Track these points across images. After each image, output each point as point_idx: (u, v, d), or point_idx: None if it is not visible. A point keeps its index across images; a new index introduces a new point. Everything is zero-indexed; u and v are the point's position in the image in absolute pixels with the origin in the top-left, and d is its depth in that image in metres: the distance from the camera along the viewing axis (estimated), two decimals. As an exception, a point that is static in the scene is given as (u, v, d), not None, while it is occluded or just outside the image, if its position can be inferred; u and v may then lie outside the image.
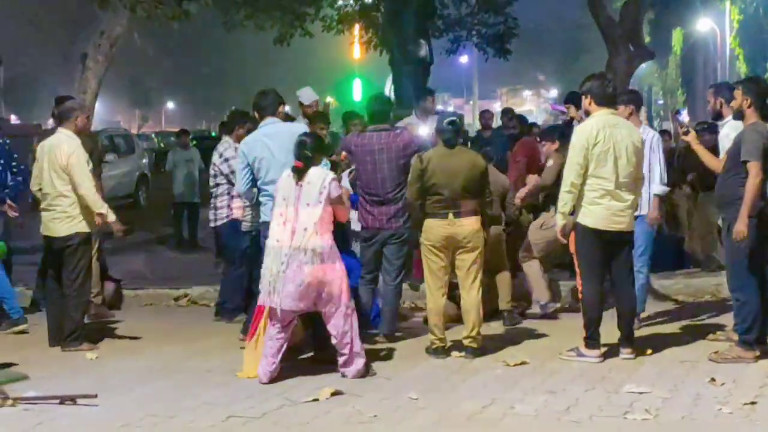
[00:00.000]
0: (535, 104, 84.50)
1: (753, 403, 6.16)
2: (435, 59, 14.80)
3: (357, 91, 38.21)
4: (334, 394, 6.59)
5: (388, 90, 15.37)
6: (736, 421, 5.87)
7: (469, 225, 7.61)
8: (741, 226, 7.01)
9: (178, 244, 15.16)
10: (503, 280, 8.96)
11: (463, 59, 55.19)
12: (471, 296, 7.69)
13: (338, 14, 20.54)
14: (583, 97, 7.54)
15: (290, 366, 7.57)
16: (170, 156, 15.44)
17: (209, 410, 6.36)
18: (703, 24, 43.41)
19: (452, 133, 7.74)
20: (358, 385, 6.90)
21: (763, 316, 7.26)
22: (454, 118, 7.90)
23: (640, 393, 6.44)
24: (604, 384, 6.75)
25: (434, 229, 7.64)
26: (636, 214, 7.68)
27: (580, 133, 7.39)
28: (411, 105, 13.68)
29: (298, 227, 6.91)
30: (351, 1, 20.65)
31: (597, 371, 7.10)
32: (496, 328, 8.77)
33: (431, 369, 7.40)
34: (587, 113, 7.55)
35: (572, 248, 7.51)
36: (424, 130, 10.19)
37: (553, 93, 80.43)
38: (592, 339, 7.40)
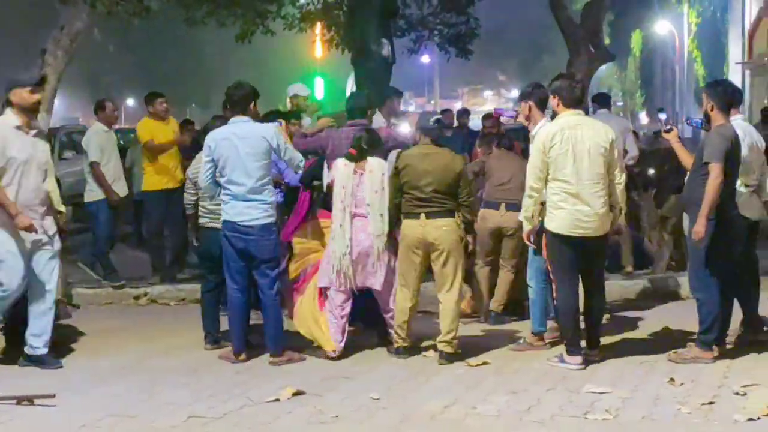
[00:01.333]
0: (496, 104, 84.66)
1: (711, 403, 6.23)
2: (397, 58, 14.78)
3: (319, 90, 38.13)
4: (295, 394, 6.58)
5: (350, 89, 15.34)
6: (695, 421, 5.93)
7: (441, 226, 7.52)
8: (698, 227, 7.07)
9: (138, 242, 15.03)
10: (501, 279, 9.04)
11: (425, 59, 55.30)
12: (448, 300, 7.59)
13: (300, 12, 20.47)
14: (551, 97, 7.48)
15: (252, 365, 7.55)
16: (129, 153, 15.28)
17: (170, 410, 6.32)
18: (661, 26, 43.79)
19: (439, 131, 7.79)
20: (320, 384, 6.89)
21: (724, 317, 7.35)
22: (439, 116, 7.97)
23: (601, 393, 6.49)
24: (566, 384, 6.79)
25: (408, 228, 7.62)
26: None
27: (538, 137, 7.34)
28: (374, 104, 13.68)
29: (372, 213, 7.64)
30: (313, 0, 20.59)
31: (558, 372, 7.13)
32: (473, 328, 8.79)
33: (394, 369, 7.40)
34: (554, 114, 7.50)
35: (545, 254, 7.50)
36: (389, 131, 10.16)
37: (514, 93, 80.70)
38: (571, 345, 7.31)
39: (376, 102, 9.42)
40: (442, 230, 7.52)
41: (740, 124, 7.72)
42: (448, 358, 7.53)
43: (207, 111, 42.73)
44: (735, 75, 34.79)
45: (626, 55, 52.19)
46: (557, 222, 7.22)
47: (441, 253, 7.55)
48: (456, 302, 7.65)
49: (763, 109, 16.28)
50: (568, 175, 7.15)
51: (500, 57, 77.80)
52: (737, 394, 6.43)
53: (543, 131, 7.33)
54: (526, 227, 7.44)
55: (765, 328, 7.86)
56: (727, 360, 7.27)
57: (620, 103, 64.91)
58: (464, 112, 17.49)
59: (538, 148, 7.23)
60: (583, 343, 7.41)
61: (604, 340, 7.90)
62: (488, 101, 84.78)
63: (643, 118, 52.10)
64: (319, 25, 21.38)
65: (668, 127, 8.05)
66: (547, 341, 7.86)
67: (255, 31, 18.91)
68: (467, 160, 10.41)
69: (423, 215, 7.54)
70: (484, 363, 7.43)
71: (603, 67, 28.05)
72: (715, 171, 7.02)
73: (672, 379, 6.75)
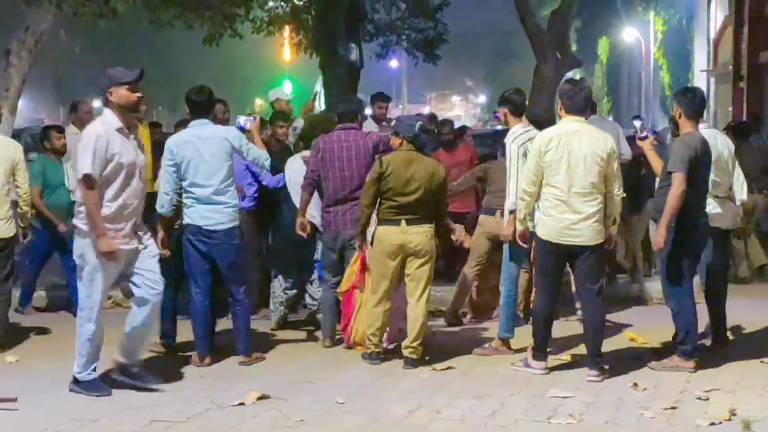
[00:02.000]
0: (464, 109, 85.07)
1: (674, 407, 6.29)
2: (365, 63, 14.81)
3: (287, 93, 37.96)
4: (260, 398, 6.56)
5: (318, 93, 15.34)
6: (658, 425, 5.98)
7: (422, 233, 7.55)
8: (658, 237, 7.07)
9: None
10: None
11: (393, 63, 55.34)
12: (418, 306, 7.60)
13: (268, 16, 20.44)
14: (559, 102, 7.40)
15: (217, 369, 7.52)
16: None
17: (133, 414, 6.28)
18: (628, 34, 44.14)
19: (418, 138, 7.72)
20: (286, 388, 6.88)
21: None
22: (421, 122, 7.93)
23: (565, 398, 6.53)
24: (530, 389, 6.82)
25: (386, 235, 7.57)
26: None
27: (536, 141, 7.25)
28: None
29: None
30: (282, 3, 20.56)
31: (523, 376, 7.16)
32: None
33: (359, 373, 7.40)
34: (558, 118, 7.48)
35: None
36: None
37: (482, 99, 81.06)
38: (538, 351, 7.26)
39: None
40: (423, 236, 7.54)
41: (711, 132, 7.78)
42: (413, 364, 7.54)
43: (175, 114, 42.50)
44: (700, 82, 35.05)
45: (593, 61, 52.53)
46: (546, 229, 7.14)
47: (419, 260, 7.56)
48: (425, 310, 7.66)
49: (733, 123, 16.41)
50: (560, 182, 7.04)
51: (468, 62, 78.03)
52: (700, 398, 6.49)
53: (541, 136, 7.23)
54: (519, 228, 7.39)
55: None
56: (690, 365, 7.33)
57: (587, 110, 65.35)
58: (431, 117, 17.50)
59: (534, 152, 7.16)
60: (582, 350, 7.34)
61: (566, 346, 7.95)
62: (456, 106, 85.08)
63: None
64: (287, 29, 21.36)
65: (644, 134, 7.98)
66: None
67: (223, 34, 18.86)
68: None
69: (404, 222, 7.53)
70: (449, 367, 7.45)
71: (570, 74, 28.21)
72: (677, 180, 6.98)
73: (635, 384, 6.80)
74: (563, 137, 7.07)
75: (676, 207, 7.00)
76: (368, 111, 10.82)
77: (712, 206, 7.55)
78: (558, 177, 7.03)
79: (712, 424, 5.94)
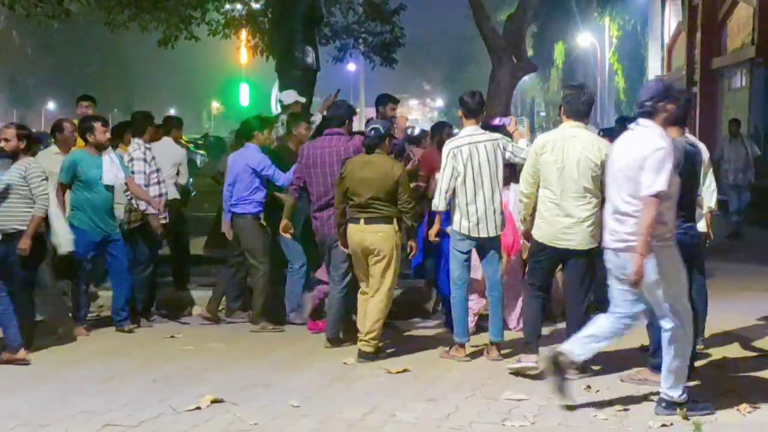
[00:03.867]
0: (422, 113, 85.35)
1: (626, 409, 6.34)
2: (322, 66, 14.74)
3: (244, 96, 37.85)
4: (214, 401, 6.52)
5: (275, 96, 15.26)
6: (610, 427, 6.02)
7: (376, 232, 7.77)
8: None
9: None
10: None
11: (351, 67, 55.43)
12: (374, 302, 7.83)
13: (225, 18, 20.36)
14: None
15: (170, 374, 7.47)
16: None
17: (85, 419, 6.22)
18: (583, 39, 44.48)
19: (371, 140, 7.92)
20: (240, 392, 6.84)
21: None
22: (377, 125, 8.08)
23: (519, 400, 6.56)
24: (484, 391, 6.84)
25: (350, 233, 7.88)
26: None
27: (533, 144, 7.41)
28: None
29: None
30: (238, 6, 20.49)
31: (477, 379, 7.19)
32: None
33: (314, 376, 7.39)
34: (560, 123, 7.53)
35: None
36: None
37: (439, 103, 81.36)
38: (527, 348, 7.36)
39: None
40: (377, 236, 7.77)
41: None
42: (367, 357, 7.68)
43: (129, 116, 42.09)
44: (654, 88, 35.45)
45: (549, 66, 52.84)
46: (540, 231, 7.24)
47: (377, 258, 7.80)
48: (381, 305, 7.82)
49: (730, 121, 16.71)
50: (553, 185, 7.14)
51: (425, 66, 78.40)
52: (652, 401, 6.54)
53: (538, 139, 7.38)
54: (521, 228, 7.63)
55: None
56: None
57: (543, 114, 65.76)
58: (380, 121, 17.50)
59: (531, 154, 7.31)
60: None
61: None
62: (413, 110, 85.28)
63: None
64: (244, 32, 21.29)
65: None
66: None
67: (178, 36, 18.76)
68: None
69: (362, 221, 7.81)
70: (405, 370, 7.45)
71: (526, 78, 28.39)
72: None
73: (588, 387, 6.84)
74: (558, 141, 7.18)
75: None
76: (370, 113, 10.85)
77: None
78: (552, 181, 7.15)
79: (664, 425, 5.99)
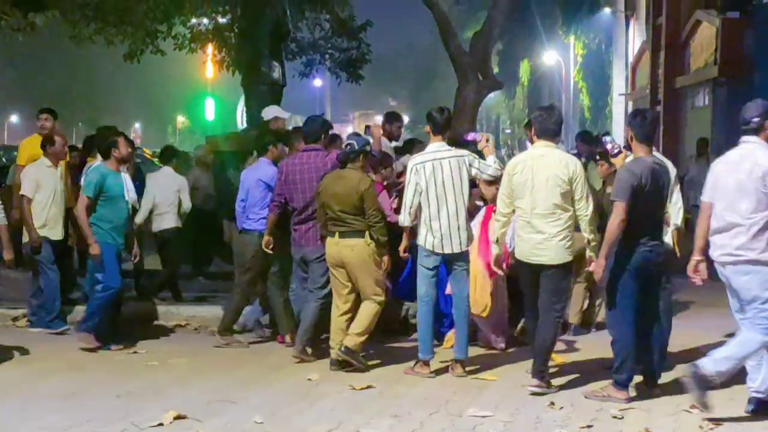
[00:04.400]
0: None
1: (590, 426, 6.37)
2: (288, 81, 14.73)
3: (209, 111, 37.66)
4: (177, 417, 6.48)
5: (241, 111, 15.25)
6: (574, 444, 6.05)
7: (349, 246, 7.92)
8: (596, 266, 7.03)
9: (17, 263, 14.63)
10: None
11: (317, 82, 55.45)
12: (365, 307, 7.99)
13: (191, 33, 20.32)
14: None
15: (133, 390, 7.41)
16: (11, 171, 14.90)
17: (46, 435, 6.16)
18: (549, 57, 44.78)
19: (344, 155, 8.11)
20: (204, 408, 6.80)
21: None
22: (352, 141, 8.22)
23: (483, 417, 6.57)
24: (448, 408, 6.85)
25: (327, 246, 8.08)
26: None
27: (507, 165, 7.59)
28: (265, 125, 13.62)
29: None
30: (204, 21, 20.45)
31: (441, 395, 7.19)
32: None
33: (278, 392, 7.36)
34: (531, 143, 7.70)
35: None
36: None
37: (405, 119, 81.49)
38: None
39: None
40: (349, 249, 7.92)
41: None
42: (346, 353, 7.85)
43: (95, 130, 41.80)
44: (619, 106, 35.78)
45: (514, 83, 53.11)
46: (518, 249, 7.44)
47: (352, 272, 7.96)
48: (371, 312, 7.96)
49: (698, 140, 16.65)
50: (525, 204, 7.30)
51: (391, 82, 78.54)
52: (615, 417, 6.59)
53: (511, 160, 7.60)
54: (494, 251, 7.77)
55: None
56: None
57: (508, 131, 66.04)
58: (354, 136, 17.53)
59: (504, 175, 7.48)
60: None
61: (487, 365, 8.02)
62: (379, 126, 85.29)
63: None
64: (210, 46, 21.25)
65: (616, 150, 7.91)
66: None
67: (144, 50, 18.71)
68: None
69: (337, 234, 8.00)
70: (369, 386, 7.44)
71: (492, 95, 28.57)
72: (618, 209, 6.90)
73: (552, 403, 6.87)
74: (528, 161, 7.36)
75: (615, 236, 6.91)
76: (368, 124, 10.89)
77: None
78: (523, 199, 7.31)
79: (627, 441, 6.03)
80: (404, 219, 7.88)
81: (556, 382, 7.48)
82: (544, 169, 7.25)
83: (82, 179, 9.63)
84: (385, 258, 8.10)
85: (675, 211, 7.93)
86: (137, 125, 66.42)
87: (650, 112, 7.79)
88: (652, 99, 27.28)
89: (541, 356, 7.34)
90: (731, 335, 9.29)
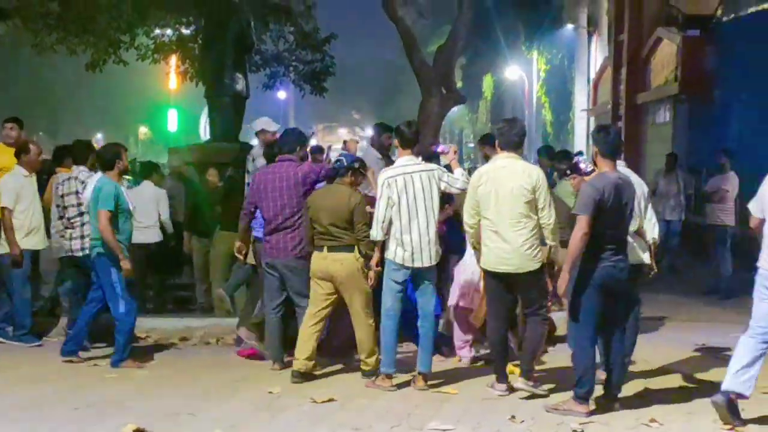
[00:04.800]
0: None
1: (550, 439, 6.39)
2: (252, 93, 14.70)
3: (172, 122, 37.49)
4: (137, 431, 6.42)
5: (204, 122, 15.22)
6: (535, 458, 6.07)
7: (338, 260, 7.98)
8: (560, 281, 7.08)
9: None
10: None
11: (281, 94, 55.33)
12: (362, 331, 8.03)
13: (154, 43, 20.25)
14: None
15: (94, 401, 7.35)
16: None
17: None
18: (512, 72, 45.01)
19: (333, 171, 8.25)
20: (163, 421, 6.75)
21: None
22: (341, 158, 8.35)
23: (445, 430, 6.58)
24: (410, 421, 6.84)
25: (313, 261, 8.10)
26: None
27: (471, 177, 7.71)
28: (228, 137, 13.59)
29: None
30: (168, 31, 20.39)
31: (403, 408, 7.18)
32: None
33: (239, 404, 7.32)
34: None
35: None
36: (381, 164, 10.10)
37: (369, 132, 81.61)
38: (496, 373, 7.68)
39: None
40: (338, 264, 7.97)
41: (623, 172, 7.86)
42: (368, 375, 8.00)
43: (56, 139, 41.52)
44: (581, 122, 35.98)
45: (478, 98, 53.34)
46: (484, 258, 7.55)
47: (342, 286, 8.01)
48: (367, 328, 8.04)
49: (667, 155, 16.63)
50: (491, 214, 7.45)
51: (355, 95, 78.60)
52: (575, 431, 6.62)
53: (475, 172, 7.74)
54: (475, 256, 7.87)
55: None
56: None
57: (471, 145, 66.27)
58: (318, 150, 17.52)
59: (470, 187, 7.63)
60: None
61: (450, 378, 8.03)
62: (343, 139, 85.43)
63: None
64: (173, 57, 21.19)
65: (590, 168, 7.91)
66: None
67: (107, 60, 18.61)
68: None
69: (326, 248, 8.04)
70: (330, 399, 7.41)
71: (455, 109, 28.69)
72: (580, 223, 6.95)
73: (513, 417, 6.89)
74: (492, 172, 7.52)
75: (578, 249, 6.96)
76: (362, 135, 10.92)
77: None
78: (489, 210, 7.45)
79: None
80: (376, 233, 7.87)
81: (517, 395, 7.51)
82: (508, 180, 7.40)
83: (57, 190, 9.62)
84: (371, 273, 8.07)
85: (650, 226, 7.98)
86: (99, 135, 65.86)
87: (614, 127, 7.93)
88: (614, 115, 27.47)
89: (529, 356, 7.59)
90: (701, 348, 9.45)
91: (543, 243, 7.50)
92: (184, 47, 20.22)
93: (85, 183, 9.36)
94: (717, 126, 20.06)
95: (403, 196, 7.79)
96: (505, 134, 7.59)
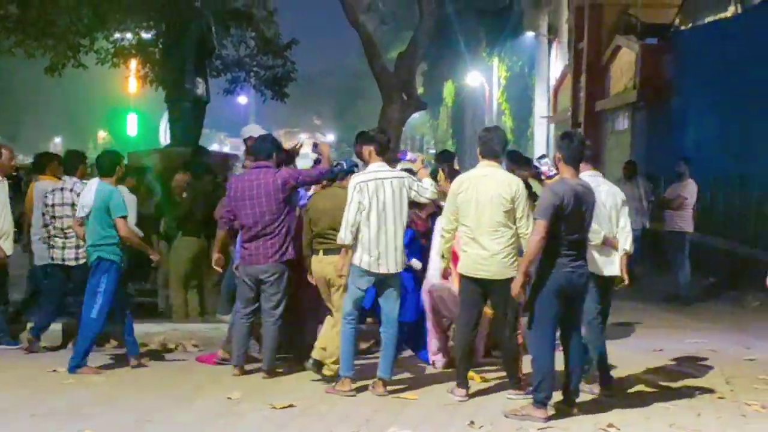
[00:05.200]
0: (311, 147, 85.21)
1: (510, 444, 6.42)
2: (213, 98, 14.67)
3: (131, 126, 37.27)
4: (95, 438, 6.39)
5: (164, 127, 15.15)
6: (494, 463, 6.09)
7: (331, 263, 8.06)
8: (514, 284, 7.15)
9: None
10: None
11: (242, 100, 55.11)
12: (334, 330, 8.06)
13: (114, 47, 20.12)
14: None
15: (53, 407, 7.28)
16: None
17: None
18: (472, 78, 45.17)
19: (332, 174, 8.45)
20: (121, 429, 6.71)
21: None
22: (341, 162, 8.53)
23: (404, 435, 6.59)
24: (369, 426, 6.85)
25: (312, 264, 8.23)
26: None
27: (452, 184, 7.79)
28: (187, 143, 13.54)
29: None
30: (128, 35, 20.27)
31: (363, 414, 7.19)
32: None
33: (198, 412, 7.28)
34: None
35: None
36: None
37: (330, 137, 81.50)
38: (458, 379, 7.71)
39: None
40: (331, 267, 8.06)
41: (596, 180, 7.87)
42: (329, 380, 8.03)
43: (14, 144, 41.09)
44: (541, 128, 36.22)
45: (438, 104, 53.44)
46: (462, 263, 7.63)
47: (333, 288, 8.13)
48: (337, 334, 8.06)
49: (626, 163, 16.63)
50: (470, 221, 7.54)
51: (316, 101, 78.66)
52: (534, 436, 6.66)
53: (456, 179, 7.80)
54: (442, 265, 8.02)
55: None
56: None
57: (432, 151, 66.40)
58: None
59: (450, 194, 7.72)
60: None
61: (411, 384, 8.05)
62: (304, 144, 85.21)
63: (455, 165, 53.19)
64: (133, 61, 21.06)
65: (553, 172, 8.02)
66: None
67: (66, 64, 18.47)
68: None
69: (321, 251, 8.17)
70: (290, 405, 7.40)
71: (416, 115, 28.73)
72: (538, 227, 7.02)
73: (472, 422, 6.91)
74: (473, 180, 7.61)
75: (535, 254, 7.03)
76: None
77: (589, 254, 7.51)
78: (468, 217, 7.54)
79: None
80: (345, 236, 7.81)
81: (476, 401, 7.55)
82: (488, 189, 7.52)
83: (46, 198, 9.57)
84: (342, 279, 8.08)
85: (623, 235, 7.99)
86: (57, 140, 65.36)
87: (578, 134, 7.98)
88: (574, 122, 27.69)
89: (511, 365, 7.75)
90: (658, 353, 9.52)
91: (520, 253, 7.45)
92: (145, 51, 20.11)
93: (80, 194, 9.30)
94: (675, 133, 20.28)
95: (375, 201, 7.80)
96: (486, 143, 7.69)
